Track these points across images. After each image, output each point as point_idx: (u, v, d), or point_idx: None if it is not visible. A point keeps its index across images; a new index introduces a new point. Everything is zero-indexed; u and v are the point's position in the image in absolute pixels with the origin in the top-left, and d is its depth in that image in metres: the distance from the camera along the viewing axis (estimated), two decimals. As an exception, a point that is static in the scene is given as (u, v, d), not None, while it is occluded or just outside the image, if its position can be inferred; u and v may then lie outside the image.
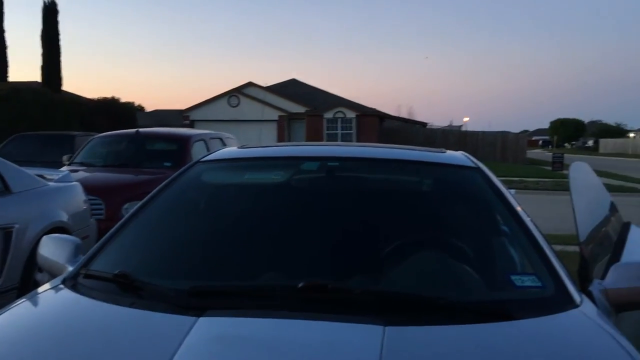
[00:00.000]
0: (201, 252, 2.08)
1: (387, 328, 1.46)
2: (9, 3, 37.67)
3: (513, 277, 1.80)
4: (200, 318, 1.49)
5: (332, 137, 29.86)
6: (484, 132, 34.60)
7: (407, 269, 1.87)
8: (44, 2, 22.40)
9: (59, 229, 4.77)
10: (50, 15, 22.44)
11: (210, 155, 2.63)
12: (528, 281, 1.78)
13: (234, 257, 2.01)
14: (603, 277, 1.94)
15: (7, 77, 22.14)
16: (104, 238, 2.13)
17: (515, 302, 1.69)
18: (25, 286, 4.50)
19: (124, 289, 1.72)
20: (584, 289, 1.89)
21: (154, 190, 2.33)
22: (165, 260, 2.05)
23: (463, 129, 40.50)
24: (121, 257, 2.03)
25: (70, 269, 2.02)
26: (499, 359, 1.39)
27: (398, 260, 1.91)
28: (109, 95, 23.74)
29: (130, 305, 1.63)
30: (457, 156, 2.58)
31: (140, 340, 1.48)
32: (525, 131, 50.75)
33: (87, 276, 1.87)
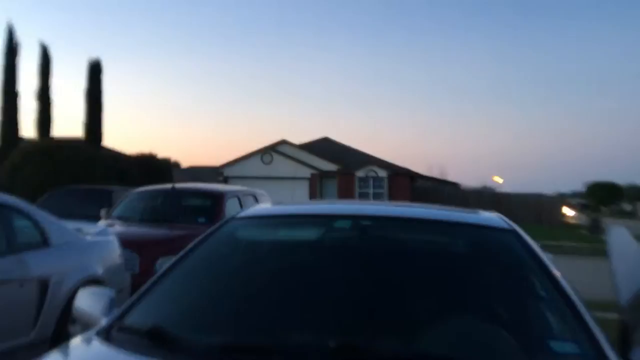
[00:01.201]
0: (234, 308, 2.09)
1: None
2: (56, 61, 39.44)
3: (552, 343, 1.76)
4: None
5: (364, 196, 29.85)
6: (518, 194, 34.18)
7: (441, 331, 1.84)
8: (89, 61, 23.40)
9: (94, 282, 4.83)
10: (94, 74, 23.34)
11: (244, 212, 2.67)
12: (567, 348, 1.74)
13: (266, 315, 2.01)
14: None
15: (50, 132, 22.95)
16: (138, 291, 2.16)
17: None
18: (58, 339, 4.53)
19: (157, 343, 1.73)
20: (624, 356, 1.83)
21: (189, 246, 2.37)
22: (199, 315, 2.06)
23: (496, 190, 40.10)
24: (155, 311, 2.05)
25: (105, 321, 2.04)
26: None
27: (432, 323, 1.89)
28: (146, 150, 24.34)
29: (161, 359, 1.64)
30: (491, 217, 2.56)
31: None
32: (562, 195, 49.86)
33: (120, 329, 1.89)
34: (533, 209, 31.70)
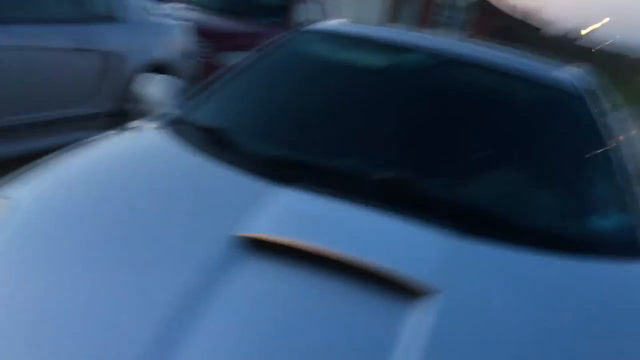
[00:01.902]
0: (293, 123, 2.09)
1: (455, 238, 1.43)
2: None
3: (600, 214, 1.73)
4: (281, 188, 1.52)
5: (438, 25, 28.44)
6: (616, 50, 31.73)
7: (491, 183, 1.82)
8: None
9: (158, 66, 4.89)
10: None
11: (315, 26, 2.57)
12: (615, 220, 1.71)
13: (322, 134, 2.01)
14: None
15: None
16: (202, 85, 2.17)
17: (599, 239, 1.63)
18: (117, 115, 4.71)
19: (215, 142, 1.77)
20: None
21: (257, 50, 2.33)
22: (257, 124, 2.07)
23: (590, 37, 37.24)
24: (216, 110, 2.07)
25: (167, 110, 2.09)
26: (566, 294, 1.37)
27: (484, 173, 1.86)
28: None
29: (217, 159, 1.68)
30: (570, 72, 2.40)
31: (217, 197, 1.52)
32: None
33: (180, 121, 1.93)
34: (630, 68, 29.48)
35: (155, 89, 2.24)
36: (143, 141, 1.86)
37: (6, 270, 1.22)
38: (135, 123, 2.01)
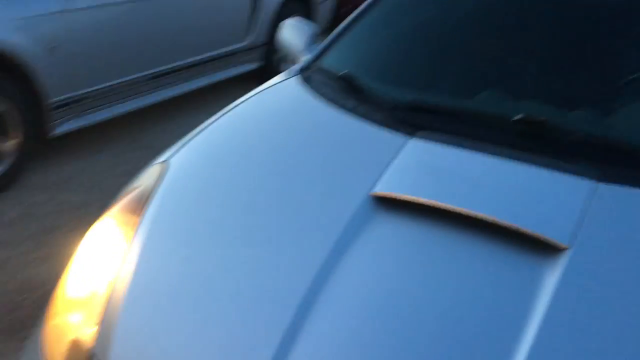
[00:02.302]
0: (425, 61, 1.94)
1: (600, 185, 1.30)
2: None
3: None
4: (412, 139, 1.48)
5: None
6: None
7: None
8: None
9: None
10: None
11: None
12: None
13: (454, 71, 1.87)
14: None
15: None
16: (336, 32, 2.15)
17: None
18: (269, 48, 4.93)
19: (348, 90, 1.77)
20: None
21: None
22: (388, 65, 1.99)
23: None
24: (346, 55, 2.02)
25: (304, 58, 2.11)
26: None
27: (636, 102, 1.65)
28: None
29: (349, 110, 1.67)
30: None
31: (350, 149, 1.52)
32: None
33: (317, 70, 1.95)
34: None
35: (290, 33, 2.27)
36: (281, 97, 1.90)
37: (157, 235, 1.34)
38: (274, 78, 2.06)
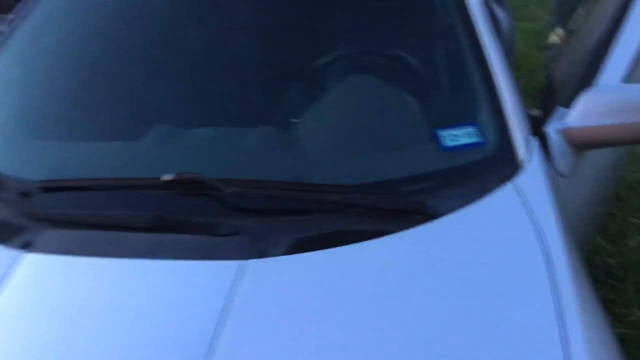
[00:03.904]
0: (44, 121, 1.53)
1: (249, 262, 1.08)
2: None
3: (442, 134, 1.35)
4: (27, 255, 1.13)
5: None
6: None
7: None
8: None
9: None
10: None
11: None
12: (463, 137, 1.35)
13: (85, 130, 1.51)
14: (569, 105, 1.49)
15: None
16: None
17: (432, 190, 1.23)
18: None
19: None
20: (541, 126, 1.46)
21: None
22: (12, 132, 1.53)
23: None
24: None
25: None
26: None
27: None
28: None
29: None
30: None
31: None
32: None
33: None
34: None
35: None
36: None
37: None
38: None
